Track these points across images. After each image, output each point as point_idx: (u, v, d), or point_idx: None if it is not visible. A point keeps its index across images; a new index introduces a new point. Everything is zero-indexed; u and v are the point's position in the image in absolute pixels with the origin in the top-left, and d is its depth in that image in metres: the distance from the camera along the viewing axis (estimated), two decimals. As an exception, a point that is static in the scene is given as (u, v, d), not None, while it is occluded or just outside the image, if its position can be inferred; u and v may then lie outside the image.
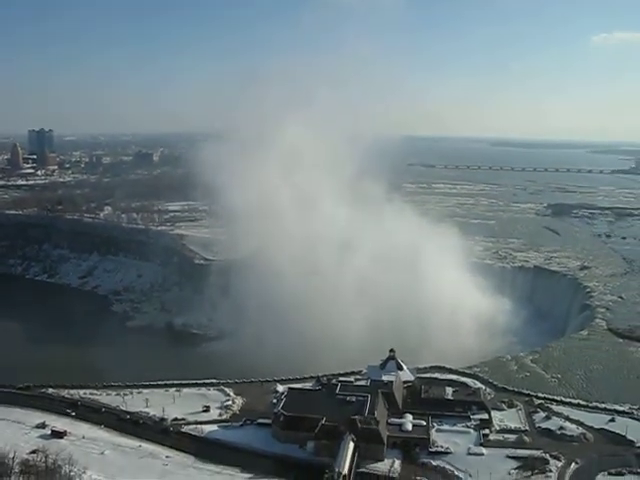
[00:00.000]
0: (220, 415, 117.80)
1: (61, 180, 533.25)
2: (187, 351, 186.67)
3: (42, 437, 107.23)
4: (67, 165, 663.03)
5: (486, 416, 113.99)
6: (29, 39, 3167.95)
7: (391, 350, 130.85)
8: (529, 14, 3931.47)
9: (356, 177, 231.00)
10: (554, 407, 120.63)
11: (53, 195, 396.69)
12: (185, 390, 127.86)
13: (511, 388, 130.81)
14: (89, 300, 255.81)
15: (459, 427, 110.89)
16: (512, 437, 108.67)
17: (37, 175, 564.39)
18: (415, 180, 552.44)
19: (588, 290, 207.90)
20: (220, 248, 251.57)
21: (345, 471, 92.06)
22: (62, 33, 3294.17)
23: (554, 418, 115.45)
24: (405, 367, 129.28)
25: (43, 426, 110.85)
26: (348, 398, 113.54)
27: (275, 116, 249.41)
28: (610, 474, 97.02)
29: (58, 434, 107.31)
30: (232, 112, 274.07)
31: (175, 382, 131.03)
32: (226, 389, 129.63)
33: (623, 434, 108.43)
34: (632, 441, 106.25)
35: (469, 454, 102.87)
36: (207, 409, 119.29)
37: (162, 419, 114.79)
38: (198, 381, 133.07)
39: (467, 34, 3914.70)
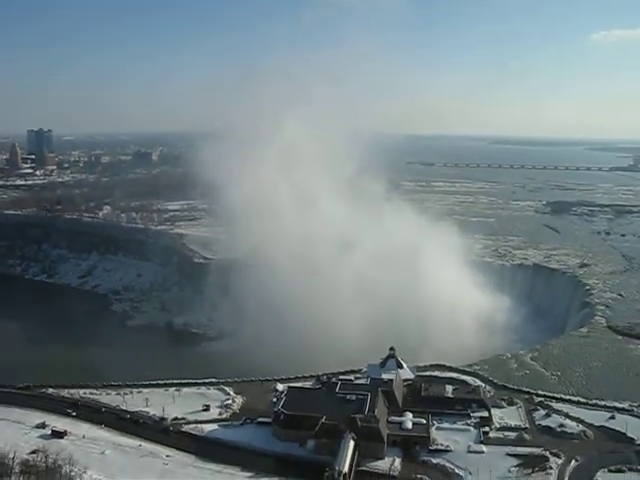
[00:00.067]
0: (220, 414, 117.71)
1: (60, 180, 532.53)
2: (187, 350, 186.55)
3: (42, 437, 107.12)
4: (66, 165, 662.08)
5: (486, 414, 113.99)
6: (29, 39, 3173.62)
7: (391, 348, 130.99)
8: (528, 12, 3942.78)
9: (355, 175, 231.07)
10: (554, 405, 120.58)
11: (52, 195, 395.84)
12: (185, 389, 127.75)
13: (511, 386, 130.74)
14: (89, 300, 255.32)
15: (459, 425, 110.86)
16: (512, 435, 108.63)
17: (36, 175, 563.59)
18: (414, 178, 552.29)
19: (587, 288, 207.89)
20: (220, 247, 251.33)
21: (345, 469, 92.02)
22: (61, 33, 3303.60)
23: (554, 416, 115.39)
24: (405, 365, 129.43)
25: (43, 426, 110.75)
26: (348, 396, 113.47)
27: (274, 113, 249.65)
28: (610, 471, 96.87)
29: (58, 434, 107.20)
30: (231, 110, 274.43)
31: (175, 381, 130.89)
32: (226, 388, 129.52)
33: (623, 431, 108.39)
34: (632, 438, 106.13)
35: (469, 452, 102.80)
36: (207, 408, 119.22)
37: (162, 418, 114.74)
38: (198, 380, 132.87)
39: (466, 32, 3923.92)
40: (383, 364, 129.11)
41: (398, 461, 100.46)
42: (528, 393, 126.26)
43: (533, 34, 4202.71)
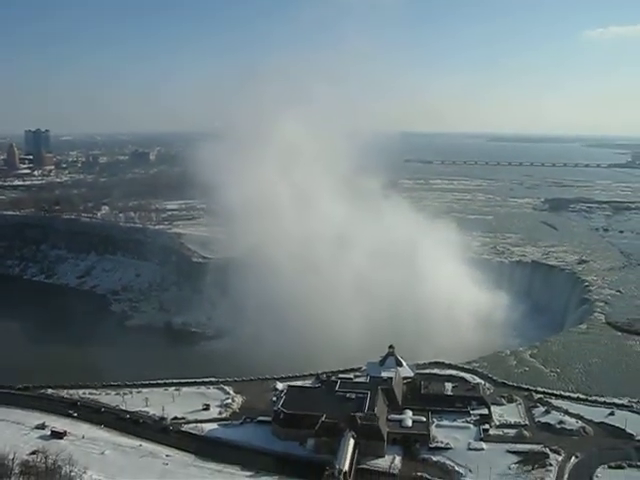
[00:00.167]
0: (220, 413, 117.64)
1: (58, 180, 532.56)
2: (186, 350, 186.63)
3: (42, 438, 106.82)
4: (64, 165, 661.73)
5: (486, 411, 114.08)
6: (29, 39, 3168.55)
7: (390, 346, 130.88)
8: (525, 10, 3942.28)
9: (354, 173, 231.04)
10: (553, 401, 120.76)
11: (50, 195, 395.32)
12: (185, 389, 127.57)
13: (510, 383, 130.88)
14: (87, 300, 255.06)
15: (459, 422, 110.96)
16: (512, 432, 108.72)
17: (34, 175, 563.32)
18: (412, 176, 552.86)
19: (586, 284, 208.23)
20: (218, 246, 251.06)
21: (346, 468, 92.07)
22: (61, 33, 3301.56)
23: (554, 412, 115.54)
24: (404, 363, 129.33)
25: (43, 427, 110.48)
26: (348, 395, 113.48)
27: (274, 113, 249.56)
28: (610, 467, 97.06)
29: (58, 434, 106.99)
30: (231, 110, 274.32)
31: (174, 381, 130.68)
32: (226, 387, 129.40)
33: (622, 427, 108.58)
34: (631, 434, 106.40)
35: (469, 449, 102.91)
36: (207, 408, 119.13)
37: (162, 418, 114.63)
38: (197, 380, 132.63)
39: (463, 30, 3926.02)
40: (382, 362, 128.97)
41: (398, 459, 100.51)
42: (527, 390, 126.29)
43: (530, 32, 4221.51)
